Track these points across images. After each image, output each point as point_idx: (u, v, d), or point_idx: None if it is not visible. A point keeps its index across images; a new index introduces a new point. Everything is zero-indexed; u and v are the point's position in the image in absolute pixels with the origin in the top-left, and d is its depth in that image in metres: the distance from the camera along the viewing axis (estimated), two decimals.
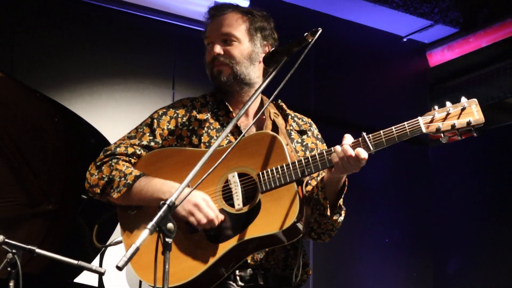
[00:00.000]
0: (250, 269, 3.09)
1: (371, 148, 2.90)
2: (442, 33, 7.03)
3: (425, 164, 7.23)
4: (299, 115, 3.39)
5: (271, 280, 3.12)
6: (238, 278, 3.07)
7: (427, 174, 7.21)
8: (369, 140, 2.91)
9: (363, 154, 2.87)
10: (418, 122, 2.91)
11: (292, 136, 3.25)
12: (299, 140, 3.27)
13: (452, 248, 7.09)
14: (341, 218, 3.16)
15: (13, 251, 2.98)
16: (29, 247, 3.05)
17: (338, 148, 2.89)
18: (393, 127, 2.92)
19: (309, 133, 3.32)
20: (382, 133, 2.92)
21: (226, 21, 3.26)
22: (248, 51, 3.20)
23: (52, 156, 3.88)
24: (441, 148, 7.42)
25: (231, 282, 3.08)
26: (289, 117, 3.32)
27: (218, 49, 3.19)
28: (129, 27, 6.10)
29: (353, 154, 2.86)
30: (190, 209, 2.94)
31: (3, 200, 3.88)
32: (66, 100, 4.07)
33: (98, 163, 3.14)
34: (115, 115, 4.74)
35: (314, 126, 3.39)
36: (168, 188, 3.00)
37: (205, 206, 2.95)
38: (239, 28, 3.23)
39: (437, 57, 7.15)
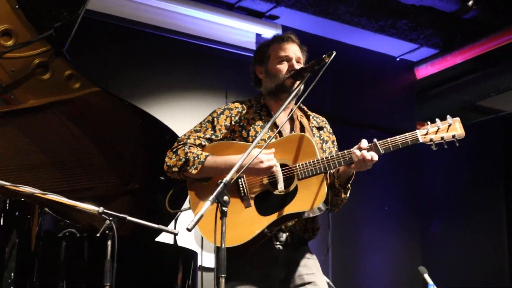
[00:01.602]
0: (282, 232, 3.13)
1: (381, 152, 3.01)
2: (426, 53, 7.01)
3: (414, 151, 7.20)
4: (316, 115, 3.41)
5: (295, 240, 3.17)
6: (274, 239, 3.12)
7: (416, 158, 7.18)
8: (380, 146, 3.00)
9: (375, 157, 2.98)
10: (416, 134, 3.02)
11: (313, 132, 3.28)
12: (318, 135, 3.30)
13: (434, 214, 7.08)
14: (347, 196, 3.20)
15: (110, 218, 3.03)
16: (122, 215, 3.11)
17: (357, 152, 2.98)
18: (397, 137, 3.03)
19: (325, 129, 3.36)
20: (389, 141, 3.05)
21: (300, 49, 3.31)
22: None
23: (137, 148, 3.94)
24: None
25: (271, 242, 3.13)
26: (310, 117, 3.35)
27: (298, 67, 3.22)
28: (193, 53, 6.14)
29: (369, 157, 2.94)
30: (256, 163, 2.98)
31: (102, 181, 3.95)
32: (147, 107, 4.11)
33: (174, 150, 3.19)
34: (182, 118, 4.79)
35: (327, 123, 3.42)
36: (232, 160, 3.01)
37: (263, 155, 2.99)
38: (303, 59, 3.30)
39: (423, 72, 7.14)
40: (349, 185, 3.16)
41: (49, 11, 3.52)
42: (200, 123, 3.30)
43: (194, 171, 3.10)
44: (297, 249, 3.18)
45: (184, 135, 3.28)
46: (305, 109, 3.38)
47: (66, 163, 3.89)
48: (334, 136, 3.37)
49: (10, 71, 3.61)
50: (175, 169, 3.17)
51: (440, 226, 6.98)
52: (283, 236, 3.13)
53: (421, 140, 3.00)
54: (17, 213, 2.85)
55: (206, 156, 3.11)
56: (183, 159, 3.14)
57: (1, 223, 2.81)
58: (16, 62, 3.59)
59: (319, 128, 3.34)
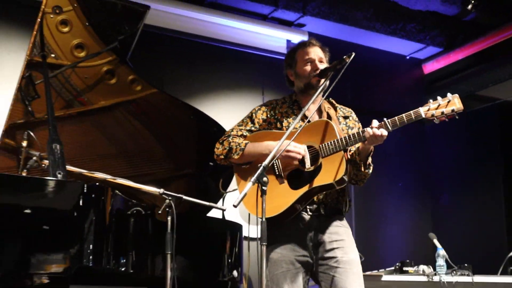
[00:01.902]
0: (315, 204, 3.14)
1: (390, 128, 2.98)
2: (432, 51, 6.94)
3: (423, 134, 7.15)
4: (343, 107, 3.41)
5: (328, 211, 3.16)
6: (308, 210, 3.13)
7: (426, 139, 7.16)
8: (388, 123, 2.98)
9: (384, 132, 2.96)
10: (419, 111, 2.97)
11: (340, 121, 3.28)
12: (344, 123, 3.29)
13: (442, 188, 7.03)
14: (370, 171, 3.19)
15: (169, 198, 3.08)
16: (178, 195, 3.15)
17: (369, 129, 2.97)
18: (403, 115, 3.00)
19: (350, 118, 3.35)
20: (396, 119, 3.00)
21: (321, 50, 3.31)
22: None
23: (190, 139, 3.97)
24: (436, 125, 7.34)
25: (304, 212, 3.14)
26: (338, 108, 3.35)
27: (321, 66, 3.23)
28: (234, 58, 6.17)
29: (379, 133, 2.94)
30: (285, 154, 3.02)
31: (161, 167, 3.99)
32: (197, 104, 4.13)
33: (221, 141, 3.26)
34: (226, 113, 4.79)
35: (353, 113, 3.41)
36: (267, 146, 3.08)
37: (292, 147, 3.03)
38: (326, 58, 3.30)
39: (429, 67, 7.08)
40: (369, 161, 3.14)
41: (113, 27, 3.58)
42: (242, 119, 3.35)
43: (236, 157, 3.18)
44: (329, 219, 3.16)
45: (230, 129, 3.34)
46: (333, 101, 3.38)
47: (131, 153, 3.93)
48: (360, 124, 3.34)
49: (84, 78, 3.67)
50: (222, 156, 3.24)
51: (448, 199, 6.94)
52: (317, 208, 3.14)
53: (423, 116, 2.95)
54: (93, 195, 2.88)
55: (246, 143, 3.18)
56: (227, 148, 3.21)
57: (81, 204, 2.84)
58: (88, 70, 3.66)
59: (345, 117, 3.33)
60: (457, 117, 2.96)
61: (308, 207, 3.13)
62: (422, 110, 2.97)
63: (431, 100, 2.99)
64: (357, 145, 3.09)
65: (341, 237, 3.14)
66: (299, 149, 3.05)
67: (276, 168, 3.16)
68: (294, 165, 3.11)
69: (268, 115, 3.31)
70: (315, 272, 3.15)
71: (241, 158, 3.19)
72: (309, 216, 3.14)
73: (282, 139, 2.88)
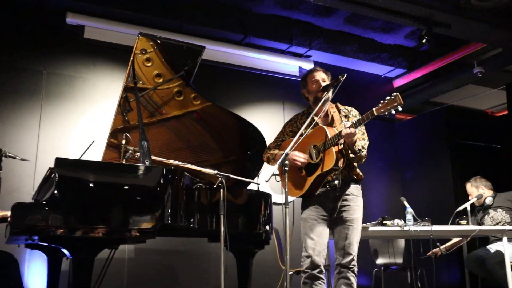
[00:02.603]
0: (331, 181, 3.13)
1: (355, 126, 2.92)
2: (399, 72, 6.85)
3: (394, 130, 7.06)
4: (345, 107, 3.34)
5: (343, 184, 3.14)
6: (327, 185, 3.13)
7: (396, 134, 7.09)
8: (354, 122, 2.94)
9: (352, 129, 2.91)
10: (373, 110, 2.91)
11: (342, 120, 3.24)
12: (345, 120, 3.23)
13: (408, 167, 6.96)
14: (362, 153, 3.12)
15: (221, 177, 3.08)
16: (227, 174, 3.15)
17: (343, 129, 2.93)
18: (364, 115, 2.94)
19: (350, 115, 3.28)
20: (360, 118, 2.97)
21: (324, 73, 3.28)
22: None
23: (233, 135, 3.94)
24: (403, 123, 7.29)
25: (324, 187, 3.14)
26: (341, 110, 3.30)
27: (323, 84, 3.19)
28: (261, 81, 6.11)
29: (349, 131, 2.92)
30: (292, 157, 3.03)
31: (214, 156, 3.96)
32: (237, 113, 4.06)
33: (265, 153, 3.38)
34: (256, 120, 4.75)
35: (353, 111, 3.32)
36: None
37: (297, 155, 3.05)
38: (328, 78, 3.26)
39: (398, 83, 6.97)
40: (356, 148, 3.05)
41: (181, 61, 3.58)
42: (278, 134, 3.39)
43: (271, 163, 3.27)
44: (343, 190, 3.14)
45: (271, 142, 3.40)
46: (339, 105, 3.33)
47: (194, 146, 3.91)
48: (360, 116, 3.18)
49: (161, 96, 3.68)
50: (266, 162, 3.35)
51: (412, 173, 6.89)
52: (335, 182, 3.12)
53: (375, 113, 2.88)
54: (170, 176, 2.90)
55: (276, 154, 3.25)
56: (267, 158, 3.32)
57: (161, 182, 2.86)
58: (164, 91, 3.67)
59: (346, 116, 3.27)
60: (400, 108, 2.84)
61: (327, 184, 3.13)
62: (374, 109, 2.90)
63: (382, 101, 2.91)
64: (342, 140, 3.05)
65: (348, 203, 3.14)
66: (300, 158, 3.07)
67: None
68: (307, 159, 3.11)
69: (293, 127, 3.32)
70: (331, 226, 3.16)
71: (274, 162, 3.24)
72: (328, 189, 3.14)
73: (294, 140, 2.92)
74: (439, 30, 5.26)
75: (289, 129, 3.33)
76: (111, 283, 4.49)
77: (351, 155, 3.07)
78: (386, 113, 2.87)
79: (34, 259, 4.43)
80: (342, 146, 3.06)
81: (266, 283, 4.89)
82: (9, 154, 2.84)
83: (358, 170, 3.25)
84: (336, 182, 3.11)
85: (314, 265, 3.03)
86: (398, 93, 2.86)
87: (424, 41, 5.27)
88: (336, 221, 3.12)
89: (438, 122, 6.80)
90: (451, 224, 4.62)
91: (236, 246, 3.43)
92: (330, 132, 3.05)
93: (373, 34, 6.08)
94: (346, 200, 3.13)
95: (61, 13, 5.02)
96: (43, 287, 4.30)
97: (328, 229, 3.15)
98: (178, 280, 5.12)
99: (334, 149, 3.01)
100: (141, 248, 4.88)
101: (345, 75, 3.01)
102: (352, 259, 3.03)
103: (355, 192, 3.18)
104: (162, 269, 5.05)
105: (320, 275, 3.06)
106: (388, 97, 2.88)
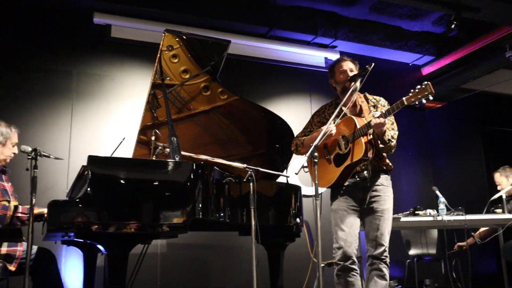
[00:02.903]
0: (361, 172, 3.10)
1: (385, 116, 2.88)
2: (427, 59, 6.72)
3: (424, 118, 6.96)
4: (373, 97, 3.30)
5: (372, 175, 3.10)
6: (356, 176, 3.10)
7: (426, 122, 6.99)
8: (383, 112, 2.90)
9: (382, 119, 2.86)
10: (403, 99, 2.85)
11: (370, 110, 3.19)
12: (373, 110, 3.18)
13: (439, 156, 6.84)
14: (392, 144, 3.07)
15: (250, 170, 3.08)
16: (256, 168, 3.15)
17: (373, 119, 2.88)
18: (393, 104, 2.88)
19: (379, 105, 3.23)
20: (389, 108, 2.94)
21: (351, 63, 3.23)
22: None
23: (262, 129, 3.94)
24: (433, 111, 7.17)
25: (353, 178, 3.12)
26: (369, 100, 3.26)
27: (351, 74, 3.15)
28: (289, 73, 6.07)
29: (379, 121, 2.87)
30: (325, 133, 2.93)
31: (243, 149, 3.97)
32: (264, 106, 4.05)
33: (292, 142, 3.35)
34: (283, 112, 4.72)
35: (382, 100, 3.27)
36: (315, 137, 3.00)
37: (326, 128, 2.95)
38: (356, 67, 3.21)
39: (426, 70, 6.85)
40: (386, 138, 3.01)
41: (207, 56, 3.58)
42: (306, 124, 3.37)
43: (300, 149, 3.26)
44: (373, 180, 3.11)
45: (299, 132, 3.38)
46: (366, 95, 3.29)
47: (222, 141, 3.92)
48: (388, 106, 3.16)
49: (189, 92, 3.70)
50: (295, 150, 3.32)
51: (443, 162, 6.77)
52: (364, 173, 3.09)
53: (405, 103, 2.83)
54: (199, 171, 2.91)
55: (304, 139, 3.24)
56: (295, 145, 3.30)
57: (191, 177, 2.87)
58: (191, 87, 3.68)
59: (375, 106, 3.23)
60: (431, 97, 2.78)
61: (356, 174, 3.10)
62: (404, 99, 2.85)
63: (412, 90, 2.85)
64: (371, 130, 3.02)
65: (378, 193, 3.10)
66: (331, 127, 2.99)
67: (325, 155, 3.16)
68: (335, 150, 3.09)
69: (321, 118, 3.30)
70: (362, 216, 3.13)
71: (303, 149, 3.23)
72: (358, 180, 3.10)
73: (325, 127, 2.89)
74: (468, 14, 5.13)
75: (317, 120, 3.31)
76: (145, 278, 4.55)
77: (381, 146, 3.03)
78: (417, 102, 2.82)
79: (70, 255, 4.53)
80: (371, 136, 3.02)
81: (297, 276, 4.88)
82: (44, 153, 2.90)
83: (387, 161, 3.20)
84: (365, 172, 3.07)
85: (346, 257, 3.00)
86: (428, 82, 2.80)
87: (453, 26, 5.17)
88: (366, 212, 3.08)
89: (469, 109, 6.67)
90: (486, 213, 4.52)
91: (267, 239, 3.44)
92: (359, 122, 3.01)
93: (400, 22, 5.98)
94: (376, 190, 3.09)
95: (88, 13, 5.10)
96: (79, 282, 4.39)
97: (358, 220, 3.11)
98: (210, 274, 5.16)
99: (364, 139, 2.97)
100: (173, 243, 4.93)
101: (373, 64, 2.97)
102: (384, 250, 2.99)
103: (384, 183, 3.14)
104: (194, 263, 5.10)
105: (353, 266, 3.02)
106: (418, 86, 2.82)
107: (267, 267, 3.60)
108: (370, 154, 2.99)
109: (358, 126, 2.98)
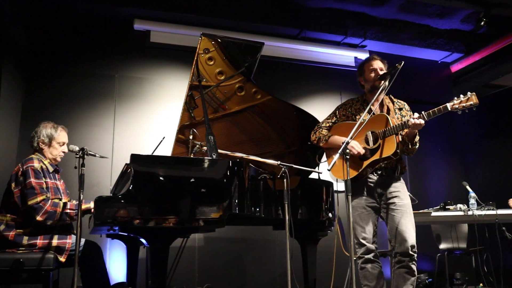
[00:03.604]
0: (379, 169, 3.07)
1: (426, 118, 2.85)
2: (456, 56, 6.55)
3: (452, 114, 6.78)
4: (399, 100, 3.27)
5: (389, 173, 3.07)
6: (374, 173, 3.07)
7: (455, 117, 6.81)
8: (424, 115, 2.86)
9: (422, 121, 2.83)
10: (447, 105, 2.82)
11: (395, 112, 3.17)
12: (399, 113, 3.18)
13: (469, 150, 6.67)
14: (416, 147, 3.06)
15: (284, 167, 3.06)
16: (289, 164, 3.13)
17: (411, 119, 2.85)
18: (435, 108, 2.87)
19: (403, 109, 3.22)
20: (430, 111, 2.90)
21: (381, 62, 3.19)
22: None
23: (294, 127, 3.91)
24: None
25: (372, 175, 3.09)
26: (395, 102, 3.22)
27: (381, 72, 3.12)
28: (320, 72, 6.03)
29: (418, 122, 2.83)
30: (351, 146, 2.93)
31: (276, 147, 3.95)
32: (295, 104, 4.03)
33: (314, 131, 3.28)
34: (314, 110, 4.67)
35: (406, 105, 3.26)
36: (340, 140, 3.04)
37: (355, 145, 2.93)
38: (385, 67, 3.17)
39: (455, 67, 6.68)
40: (415, 140, 3.01)
41: (241, 58, 3.58)
42: (329, 115, 3.32)
43: (321, 144, 3.20)
44: (389, 178, 3.08)
45: (321, 122, 3.31)
46: (392, 97, 3.25)
47: (257, 139, 3.92)
48: (411, 112, 3.19)
49: (224, 93, 3.71)
50: (315, 142, 3.26)
51: (473, 157, 6.59)
52: (380, 172, 3.07)
53: (449, 109, 2.81)
54: (235, 168, 2.91)
55: (329, 136, 3.17)
56: (317, 138, 3.23)
57: (228, 174, 2.87)
58: (226, 87, 3.69)
59: (400, 109, 3.20)
60: (474, 109, 2.80)
61: (374, 171, 3.07)
62: (449, 105, 2.83)
63: (455, 98, 2.84)
64: (405, 130, 2.98)
65: (397, 189, 3.07)
66: (358, 148, 2.96)
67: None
68: (362, 143, 3.05)
69: (346, 111, 3.25)
70: (382, 213, 3.10)
71: (325, 145, 3.20)
72: (376, 177, 3.08)
73: (353, 131, 2.84)
74: (497, 10, 4.98)
75: (342, 113, 3.26)
76: (184, 270, 4.61)
77: (409, 146, 3.01)
78: (460, 111, 2.81)
79: (114, 248, 4.63)
80: (400, 137, 3.01)
81: (330, 270, 4.84)
82: (90, 152, 2.96)
83: (404, 163, 3.19)
84: (384, 171, 3.07)
85: (368, 251, 3.02)
86: (474, 93, 2.78)
87: (482, 23, 5.02)
88: (387, 208, 3.05)
89: (500, 105, 6.48)
90: None
91: (300, 233, 3.43)
92: (392, 121, 2.99)
93: (429, 20, 5.85)
94: (395, 187, 3.07)
95: (129, 20, 5.19)
96: (122, 273, 4.49)
97: (376, 217, 3.10)
98: (245, 267, 5.18)
99: (396, 138, 2.95)
100: (210, 236, 4.97)
101: (403, 62, 2.92)
102: (412, 246, 2.92)
103: (401, 180, 3.13)
104: (230, 256, 5.12)
105: (376, 259, 3.04)
106: (462, 95, 2.81)
107: (300, 260, 3.58)
108: (399, 153, 2.98)
109: (392, 124, 2.96)
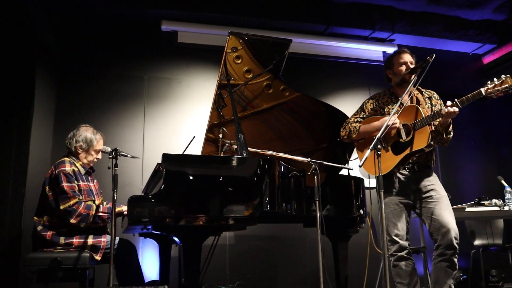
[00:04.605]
0: (411, 164, 3.02)
1: (459, 105, 2.79)
2: (488, 48, 6.38)
3: (486, 106, 6.63)
4: (427, 90, 3.22)
5: (421, 167, 3.03)
6: (406, 168, 3.03)
7: (488, 110, 6.64)
8: (457, 102, 2.79)
9: (456, 109, 2.77)
10: (481, 90, 2.75)
11: (426, 101, 3.12)
12: (429, 102, 3.13)
13: (503, 145, 6.49)
14: (451, 136, 3.00)
15: (314, 164, 3.05)
16: (320, 161, 3.12)
17: (444, 108, 2.79)
18: (469, 94, 2.76)
19: (433, 98, 3.17)
20: (464, 98, 2.81)
21: (411, 56, 3.15)
22: None
23: (323, 123, 3.88)
24: (495, 99, 6.80)
25: (404, 170, 3.05)
26: (423, 92, 3.18)
27: (411, 66, 3.09)
28: (348, 68, 5.99)
29: (452, 110, 2.77)
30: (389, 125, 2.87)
31: (306, 144, 3.94)
32: (324, 101, 4.01)
33: (343, 126, 3.26)
34: (343, 105, 4.63)
35: (435, 94, 3.20)
36: (374, 127, 3.04)
37: (391, 121, 2.89)
38: (414, 60, 3.13)
39: (487, 59, 6.52)
40: (449, 129, 2.95)
41: (269, 55, 3.57)
42: (357, 109, 3.29)
43: (354, 136, 3.17)
44: (422, 172, 3.04)
45: (349, 118, 3.29)
46: (420, 88, 3.20)
47: (286, 136, 3.91)
48: (441, 100, 3.14)
49: (252, 91, 3.72)
50: (345, 136, 3.24)
51: (508, 151, 6.42)
52: (412, 166, 3.03)
53: (483, 93, 2.73)
54: (266, 166, 2.91)
55: (360, 126, 3.15)
56: (348, 131, 3.21)
57: (258, 172, 2.88)
58: (254, 85, 3.70)
59: (429, 98, 3.15)
60: (510, 91, 2.69)
61: (406, 166, 3.02)
62: (482, 90, 2.75)
63: (489, 82, 2.74)
64: (436, 120, 2.93)
65: (432, 183, 3.02)
66: (393, 119, 2.92)
67: (382, 143, 3.07)
68: (395, 137, 3.01)
69: (374, 105, 3.22)
70: (417, 208, 3.05)
71: (357, 136, 3.16)
72: (408, 172, 3.03)
73: (388, 118, 2.79)
74: None
75: (370, 107, 3.23)
76: (215, 267, 4.64)
77: (444, 136, 2.95)
78: (495, 95, 2.71)
79: (146, 247, 4.70)
80: (433, 127, 2.94)
81: (362, 267, 4.80)
82: (122, 153, 3.01)
83: (434, 156, 3.13)
84: (416, 165, 3.02)
85: (401, 248, 2.97)
86: (508, 75, 2.69)
87: None
88: (423, 202, 2.99)
89: None
90: None
91: (331, 230, 3.40)
92: (424, 111, 2.94)
93: (459, 11, 5.72)
94: (429, 181, 3.02)
95: (156, 22, 5.25)
96: (155, 271, 4.55)
97: (407, 213, 3.05)
98: (276, 264, 5.18)
99: (429, 128, 2.89)
100: (241, 234, 4.99)
101: (434, 55, 2.88)
102: (455, 238, 2.86)
103: (434, 174, 3.08)
104: (261, 254, 5.13)
105: (409, 256, 2.99)
106: (496, 79, 2.73)
107: (331, 257, 3.56)
108: (433, 143, 2.93)
109: (423, 115, 2.91)
